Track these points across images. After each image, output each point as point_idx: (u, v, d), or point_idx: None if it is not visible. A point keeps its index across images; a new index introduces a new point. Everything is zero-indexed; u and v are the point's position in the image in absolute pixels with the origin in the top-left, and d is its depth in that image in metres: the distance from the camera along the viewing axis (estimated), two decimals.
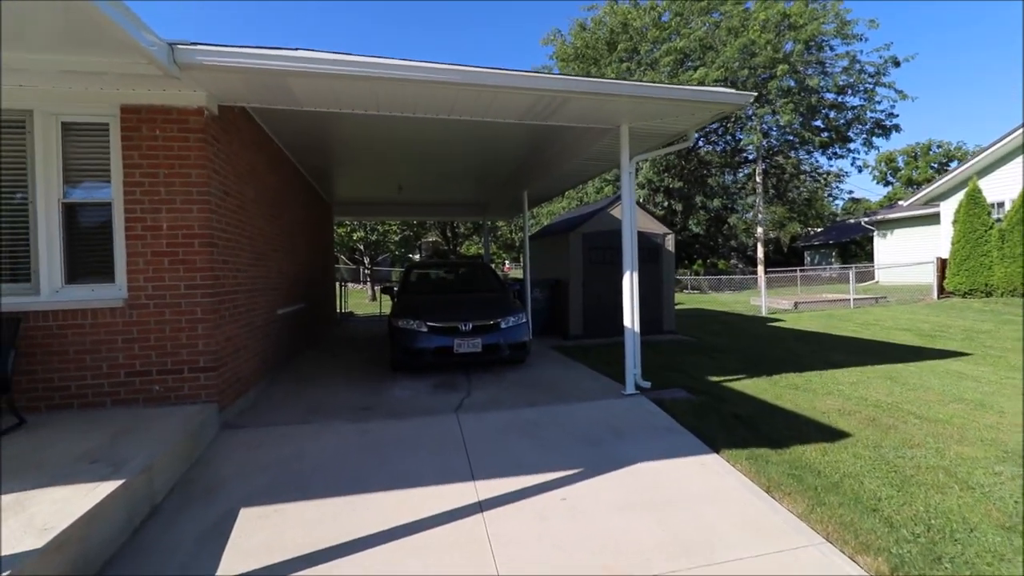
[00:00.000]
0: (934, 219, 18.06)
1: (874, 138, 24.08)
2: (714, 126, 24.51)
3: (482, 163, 7.92)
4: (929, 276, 15.02)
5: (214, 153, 3.96)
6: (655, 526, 2.66)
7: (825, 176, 29.84)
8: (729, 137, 26.15)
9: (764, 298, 14.53)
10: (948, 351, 7.53)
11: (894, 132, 23.72)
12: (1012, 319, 10.36)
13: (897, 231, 22.14)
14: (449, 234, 28.98)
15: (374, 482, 3.12)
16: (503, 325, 5.89)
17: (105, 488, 2.44)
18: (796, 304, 14.40)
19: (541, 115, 4.75)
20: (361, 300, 20.68)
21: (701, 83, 19.93)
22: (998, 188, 14.53)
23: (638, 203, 8.33)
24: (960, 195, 14.23)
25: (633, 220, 5.29)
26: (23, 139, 3.61)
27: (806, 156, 27.00)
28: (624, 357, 5.10)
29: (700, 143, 26.16)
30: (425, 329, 5.67)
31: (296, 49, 3.44)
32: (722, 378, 5.84)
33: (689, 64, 23.02)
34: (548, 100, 4.35)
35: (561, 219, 12.92)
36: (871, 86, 22.75)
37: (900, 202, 22.32)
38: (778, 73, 20.99)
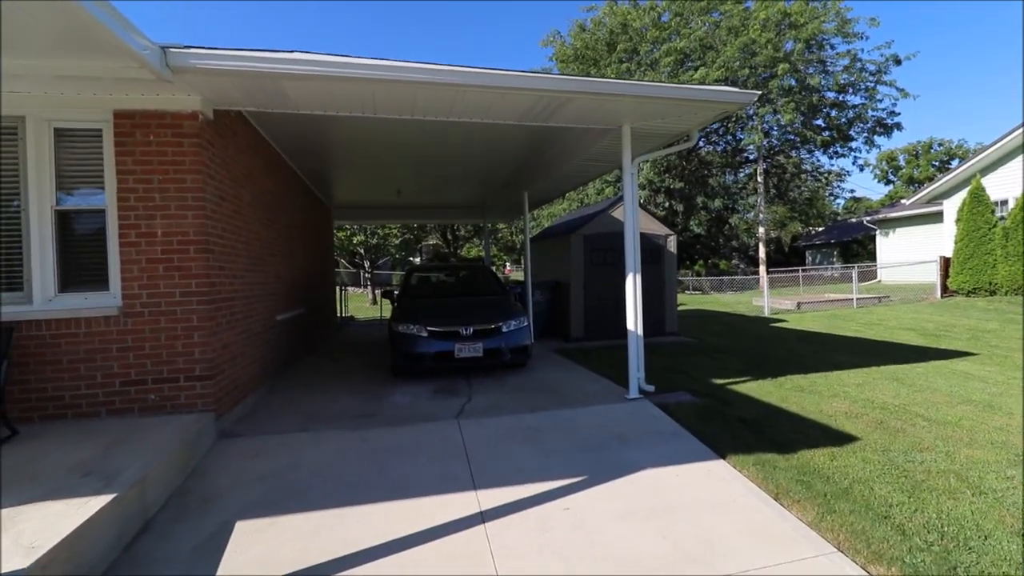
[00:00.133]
0: (937, 217, 17.95)
1: (875, 137, 24.07)
2: (715, 126, 24.45)
3: (482, 165, 7.87)
4: (932, 275, 14.92)
5: (209, 158, 3.91)
6: (661, 536, 2.59)
7: (826, 175, 29.76)
8: (730, 137, 26.10)
9: (767, 298, 14.45)
10: (954, 351, 7.45)
11: (896, 131, 23.68)
12: (1017, 318, 10.26)
13: (899, 230, 22.03)
14: (450, 237, 28.92)
15: (373, 492, 3.06)
16: (504, 329, 5.83)
17: (96, 503, 2.38)
18: (799, 304, 14.31)
19: (541, 116, 4.69)
20: (362, 304, 20.65)
21: (702, 83, 19.86)
22: (1001, 186, 14.44)
23: (639, 204, 8.24)
24: (963, 193, 14.15)
25: (636, 222, 5.23)
26: (15, 146, 3.56)
27: (807, 155, 26.95)
28: (627, 360, 5.03)
29: (701, 143, 26.10)
30: (425, 334, 5.61)
31: (291, 51, 3.39)
32: (726, 380, 5.77)
33: (689, 64, 22.99)
34: (549, 100, 4.29)
35: (562, 221, 12.86)
36: (872, 84, 22.72)
37: (903, 200, 22.23)
38: (779, 72, 20.96)
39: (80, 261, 3.73)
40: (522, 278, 10.29)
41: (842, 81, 22.51)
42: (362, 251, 21.58)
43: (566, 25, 44.61)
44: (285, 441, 3.86)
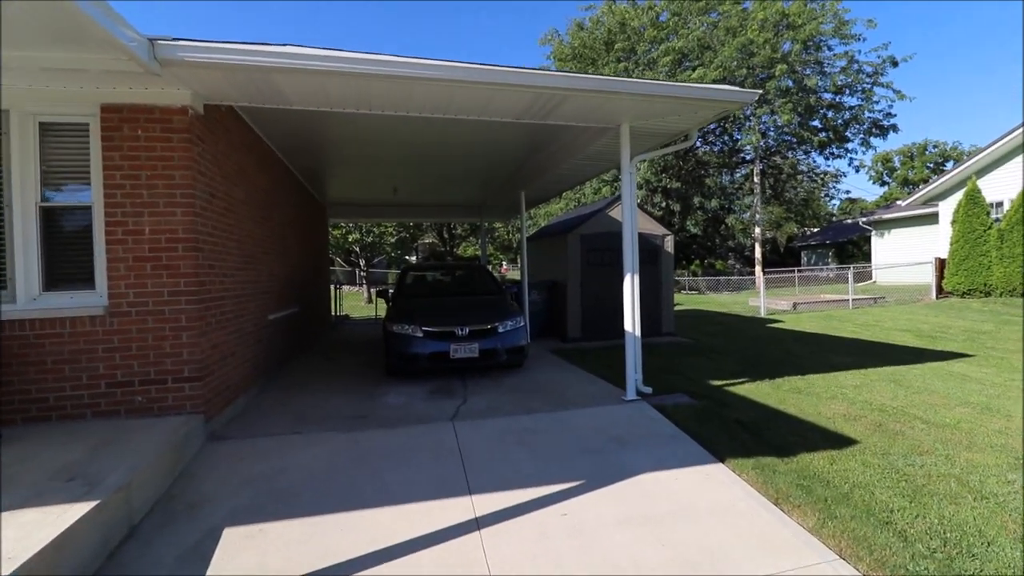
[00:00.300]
0: (932, 219, 18.00)
1: (872, 138, 24.11)
2: (712, 126, 24.45)
3: (479, 164, 7.79)
4: (927, 276, 14.95)
5: (199, 154, 3.82)
6: (661, 543, 2.54)
7: (822, 176, 29.86)
8: (727, 137, 26.10)
9: (763, 299, 14.44)
10: (950, 352, 7.44)
11: (891, 132, 23.74)
12: (1012, 319, 10.29)
13: (895, 231, 22.10)
14: (446, 236, 28.79)
15: (365, 497, 2.99)
16: (500, 329, 5.77)
17: (79, 509, 2.30)
18: (795, 305, 14.31)
19: (540, 113, 4.62)
20: (357, 303, 20.52)
21: (700, 82, 19.83)
22: (997, 188, 14.49)
23: (637, 204, 8.22)
24: (959, 195, 14.18)
25: (634, 221, 5.18)
26: None
27: (803, 156, 27.01)
28: (624, 361, 4.98)
29: (698, 143, 26.10)
30: (420, 334, 5.54)
31: (282, 45, 3.31)
32: (723, 382, 5.73)
33: (687, 64, 22.97)
34: (548, 97, 4.22)
35: (559, 220, 12.81)
36: (869, 86, 22.77)
37: (899, 202, 22.25)
38: (776, 73, 20.97)
39: (65, 259, 3.63)
40: (518, 277, 10.22)
41: (839, 82, 22.54)
42: (358, 249, 21.45)
43: (564, 24, 44.53)
44: (276, 444, 3.78)
